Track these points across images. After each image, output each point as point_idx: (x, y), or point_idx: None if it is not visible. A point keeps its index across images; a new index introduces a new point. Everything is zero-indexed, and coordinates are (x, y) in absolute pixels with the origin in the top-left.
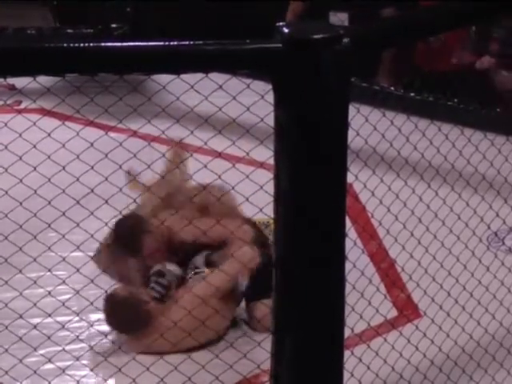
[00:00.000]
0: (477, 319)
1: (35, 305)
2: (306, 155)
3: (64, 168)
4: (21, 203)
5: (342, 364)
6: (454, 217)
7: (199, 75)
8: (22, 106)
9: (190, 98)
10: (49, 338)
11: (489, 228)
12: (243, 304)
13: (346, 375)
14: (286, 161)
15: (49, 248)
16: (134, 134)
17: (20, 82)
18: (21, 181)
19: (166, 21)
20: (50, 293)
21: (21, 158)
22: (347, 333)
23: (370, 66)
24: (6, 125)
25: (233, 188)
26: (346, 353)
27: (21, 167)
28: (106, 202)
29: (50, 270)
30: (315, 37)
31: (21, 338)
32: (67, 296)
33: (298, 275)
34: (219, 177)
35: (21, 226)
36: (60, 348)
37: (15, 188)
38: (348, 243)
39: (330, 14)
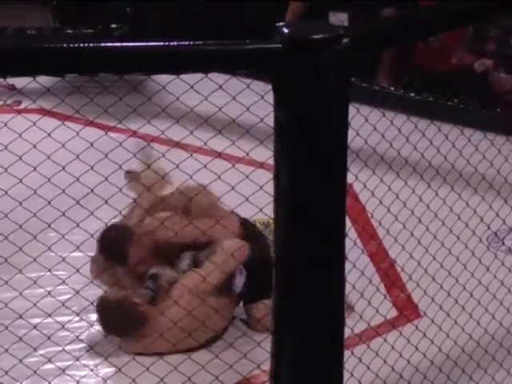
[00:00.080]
0: (477, 319)
1: (35, 305)
2: (306, 155)
3: (64, 168)
4: (21, 203)
5: (341, 364)
6: (454, 217)
7: (199, 75)
8: (22, 106)
9: (189, 98)
10: (49, 338)
11: (489, 228)
12: (242, 304)
13: (345, 375)
14: (285, 161)
15: (49, 248)
16: (134, 134)
17: (20, 82)
18: (21, 181)
19: (166, 21)
20: (49, 293)
21: (21, 158)
22: (347, 333)
23: (370, 66)
24: (5, 125)
25: (233, 188)
26: (346, 353)
27: (21, 167)
28: (106, 202)
29: (49, 270)
30: (315, 37)
31: (21, 338)
32: (67, 296)
33: (298, 275)
34: (219, 177)
35: (21, 226)
36: (60, 348)
37: (15, 188)
38: (348, 243)
39: (329, 14)
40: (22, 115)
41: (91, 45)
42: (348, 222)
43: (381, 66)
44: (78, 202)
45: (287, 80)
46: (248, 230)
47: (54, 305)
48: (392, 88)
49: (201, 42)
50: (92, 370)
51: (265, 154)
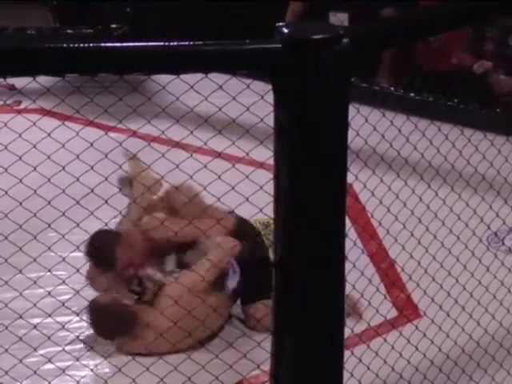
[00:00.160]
0: (476, 319)
1: (35, 305)
2: (306, 155)
3: (64, 168)
4: (21, 203)
5: (341, 364)
6: (454, 217)
7: (199, 75)
8: (22, 106)
9: (189, 99)
10: (49, 338)
11: (489, 228)
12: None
13: (345, 375)
14: (285, 161)
15: (49, 248)
16: (134, 134)
17: (20, 82)
18: (21, 181)
19: (166, 21)
20: (49, 293)
21: (21, 158)
22: (347, 333)
23: (370, 66)
24: (5, 125)
25: (233, 188)
26: (346, 353)
27: (21, 167)
28: (106, 202)
29: (49, 270)
30: (315, 37)
31: (21, 339)
32: (67, 296)
33: (298, 275)
34: (219, 177)
35: (21, 226)
36: (60, 348)
37: (15, 188)
38: (348, 243)
39: (329, 14)
40: (21, 115)
41: (91, 45)
42: (348, 222)
43: (381, 66)
44: (77, 202)
45: (287, 80)
46: (242, 228)
47: (54, 305)
48: (392, 88)
49: (201, 42)
50: (92, 370)
51: (265, 153)
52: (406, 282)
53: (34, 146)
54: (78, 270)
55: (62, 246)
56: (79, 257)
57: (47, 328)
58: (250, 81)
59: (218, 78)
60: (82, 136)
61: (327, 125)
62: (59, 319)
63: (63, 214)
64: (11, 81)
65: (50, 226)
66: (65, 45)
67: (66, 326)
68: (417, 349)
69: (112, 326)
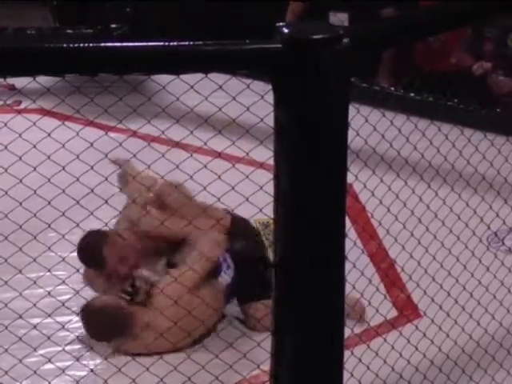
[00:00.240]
0: (476, 319)
1: (35, 305)
2: (306, 155)
3: (64, 168)
4: (21, 203)
5: (341, 364)
6: (454, 217)
7: (199, 75)
8: (22, 106)
9: (189, 99)
10: (49, 338)
11: (489, 228)
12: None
13: (345, 375)
14: (285, 161)
15: (49, 248)
16: (134, 134)
17: (20, 82)
18: (21, 181)
19: (166, 21)
20: (49, 293)
21: (21, 158)
22: (347, 333)
23: (370, 66)
24: (5, 125)
25: (233, 188)
26: (346, 353)
27: (21, 167)
28: (106, 202)
29: (49, 270)
30: (315, 37)
31: (20, 339)
32: (67, 296)
33: (298, 275)
34: (219, 177)
35: (21, 227)
36: (60, 348)
37: (15, 188)
38: (348, 243)
39: (330, 14)
40: (21, 115)
41: (91, 45)
42: (348, 222)
43: (381, 66)
44: (77, 202)
45: (287, 80)
46: (239, 227)
47: (54, 305)
48: (392, 88)
49: (201, 42)
50: (92, 370)
51: (265, 153)
52: (406, 281)
53: (34, 146)
54: (77, 270)
55: (62, 246)
56: None
57: (47, 328)
58: (250, 81)
59: (218, 77)
60: (82, 136)
61: (327, 125)
62: (59, 319)
63: (63, 214)
64: (11, 81)
65: (49, 226)
66: (65, 45)
67: (65, 326)
68: (417, 349)
69: (107, 328)
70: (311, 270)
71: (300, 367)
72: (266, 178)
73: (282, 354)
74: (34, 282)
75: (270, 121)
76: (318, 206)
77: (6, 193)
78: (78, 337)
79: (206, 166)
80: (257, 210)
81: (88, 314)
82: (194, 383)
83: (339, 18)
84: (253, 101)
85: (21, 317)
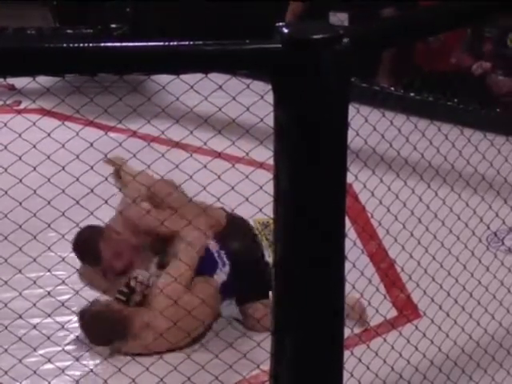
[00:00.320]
0: (476, 319)
1: (35, 305)
2: (306, 155)
3: (64, 168)
4: (20, 203)
5: (341, 364)
6: (454, 217)
7: (199, 75)
8: (22, 106)
9: (189, 99)
10: (48, 338)
11: (488, 228)
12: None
13: (345, 375)
14: (285, 161)
15: (48, 248)
16: (134, 134)
17: (20, 82)
18: (20, 181)
19: (166, 21)
20: (49, 293)
21: (20, 158)
22: (347, 333)
23: (370, 66)
24: (5, 125)
25: (232, 188)
26: (346, 353)
27: (20, 167)
28: (106, 202)
29: (49, 270)
30: (315, 37)
31: (20, 338)
32: (67, 296)
33: (298, 275)
34: (219, 177)
35: (20, 226)
36: (60, 348)
37: (15, 188)
38: (348, 243)
39: (329, 14)
40: (21, 115)
41: (91, 45)
42: (348, 222)
43: (381, 66)
44: (77, 202)
45: (287, 80)
46: (235, 225)
47: (54, 305)
48: (392, 88)
49: (201, 42)
50: (92, 370)
51: (265, 154)
52: (406, 281)
53: (34, 146)
54: (77, 270)
55: (62, 245)
56: None
57: (47, 328)
58: (249, 81)
59: (217, 78)
60: (82, 136)
61: (327, 125)
62: (59, 319)
63: (63, 214)
64: (11, 81)
65: (49, 225)
66: (65, 45)
67: (65, 326)
68: (416, 349)
69: (105, 332)
70: (311, 270)
71: (300, 367)
72: (265, 178)
73: (282, 353)
74: (34, 282)
75: (270, 121)
76: (318, 206)
77: (6, 193)
78: (77, 337)
79: (205, 166)
80: (257, 209)
81: (86, 319)
82: (193, 383)
83: (339, 18)
84: (253, 101)
85: (20, 317)
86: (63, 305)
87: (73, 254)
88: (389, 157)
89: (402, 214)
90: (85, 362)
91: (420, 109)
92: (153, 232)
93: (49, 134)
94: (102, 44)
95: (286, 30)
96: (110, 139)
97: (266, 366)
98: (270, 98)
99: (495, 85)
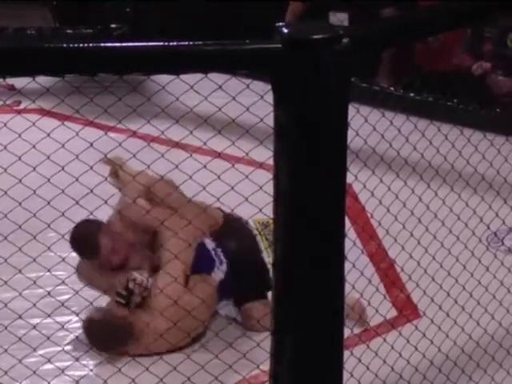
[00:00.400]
0: (476, 319)
1: (34, 305)
2: (306, 155)
3: (63, 168)
4: (20, 203)
5: (341, 364)
6: (454, 217)
7: (199, 75)
8: (22, 106)
9: (189, 99)
10: (48, 338)
11: (488, 228)
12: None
13: (345, 375)
14: (285, 161)
15: (48, 248)
16: (134, 134)
17: (19, 82)
18: (20, 181)
19: (166, 21)
20: (49, 293)
21: (20, 159)
22: (347, 333)
23: (370, 66)
24: (5, 125)
25: (232, 188)
26: (346, 353)
27: (20, 167)
28: (106, 202)
29: (49, 270)
30: (315, 37)
31: (20, 339)
32: (67, 296)
33: (298, 275)
34: (219, 177)
35: (20, 226)
36: (59, 348)
37: (15, 188)
38: (347, 243)
39: (329, 14)
40: (21, 115)
41: (91, 45)
42: (348, 222)
43: (381, 66)
44: (77, 202)
45: (287, 80)
46: (232, 226)
47: (54, 305)
48: (392, 88)
49: (201, 42)
50: (91, 371)
51: (264, 154)
52: (406, 282)
53: (34, 146)
54: (75, 269)
55: (62, 246)
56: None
57: (47, 328)
58: (249, 81)
59: (217, 78)
60: (82, 136)
61: (327, 125)
62: (59, 319)
63: (63, 214)
64: (11, 81)
65: (49, 226)
66: (65, 45)
67: (65, 326)
68: (416, 349)
69: (111, 340)
70: (311, 270)
71: (300, 367)
72: (265, 178)
73: (282, 354)
74: (34, 282)
75: (270, 121)
76: (318, 206)
77: (6, 193)
78: (77, 337)
79: (205, 166)
80: (256, 209)
81: (90, 328)
82: (193, 383)
83: (339, 18)
84: (252, 101)
85: (20, 317)
86: (63, 305)
87: (73, 254)
88: (389, 157)
89: (401, 214)
90: (85, 362)
91: (420, 109)
92: (151, 230)
93: (48, 135)
94: (102, 44)
95: (285, 30)
96: (110, 139)
97: (266, 366)
98: (269, 98)
99: (495, 85)
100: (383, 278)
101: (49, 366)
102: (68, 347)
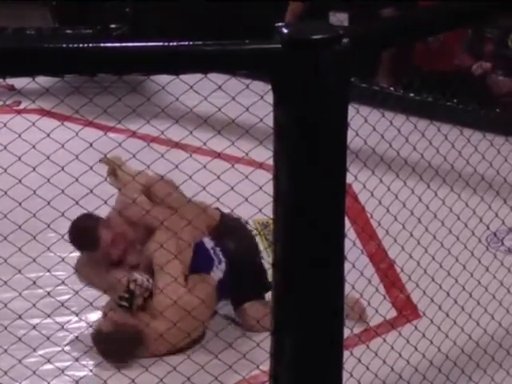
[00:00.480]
0: (476, 319)
1: (34, 305)
2: (306, 155)
3: (63, 168)
4: (20, 203)
5: (341, 364)
6: (454, 217)
7: (198, 76)
8: (22, 106)
9: (189, 99)
10: (48, 338)
11: (488, 228)
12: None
13: (345, 375)
14: (285, 161)
15: (48, 248)
16: (133, 134)
17: (19, 82)
18: (20, 181)
19: (166, 21)
20: (49, 293)
21: (20, 159)
22: (346, 333)
23: (370, 66)
24: (5, 125)
25: (232, 188)
26: (346, 353)
27: (20, 167)
28: (105, 202)
29: (49, 271)
30: (315, 37)
31: (20, 339)
32: (66, 296)
33: (298, 275)
34: (218, 177)
35: (20, 227)
36: (59, 348)
37: (14, 188)
38: (347, 243)
39: (329, 14)
40: (21, 115)
41: (91, 45)
42: (347, 223)
43: (380, 66)
44: (77, 203)
45: (287, 80)
46: (230, 226)
47: (54, 305)
48: (392, 88)
49: (201, 42)
50: (91, 371)
51: (264, 154)
52: (406, 282)
53: (34, 147)
54: (74, 268)
55: (62, 246)
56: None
57: (46, 328)
58: (249, 81)
59: (217, 78)
60: (82, 136)
61: (327, 125)
62: (58, 319)
63: (62, 214)
64: (11, 81)
65: (49, 226)
66: (64, 45)
67: (65, 327)
68: (416, 349)
69: (123, 351)
70: (311, 270)
71: (299, 367)
72: (265, 178)
73: (282, 354)
74: (34, 283)
75: (270, 121)
76: (318, 207)
77: (6, 193)
78: (77, 337)
79: (205, 167)
80: (256, 210)
81: (100, 341)
82: (193, 383)
83: (339, 18)
84: (252, 101)
85: (20, 317)
86: (63, 305)
87: (72, 255)
88: (388, 157)
89: (401, 215)
90: (84, 362)
91: (420, 109)
92: (150, 230)
93: (48, 135)
94: (102, 44)
95: (285, 30)
96: (110, 139)
97: (266, 367)
98: (269, 98)
99: (495, 85)
100: (383, 278)
101: (49, 367)
102: (68, 347)
